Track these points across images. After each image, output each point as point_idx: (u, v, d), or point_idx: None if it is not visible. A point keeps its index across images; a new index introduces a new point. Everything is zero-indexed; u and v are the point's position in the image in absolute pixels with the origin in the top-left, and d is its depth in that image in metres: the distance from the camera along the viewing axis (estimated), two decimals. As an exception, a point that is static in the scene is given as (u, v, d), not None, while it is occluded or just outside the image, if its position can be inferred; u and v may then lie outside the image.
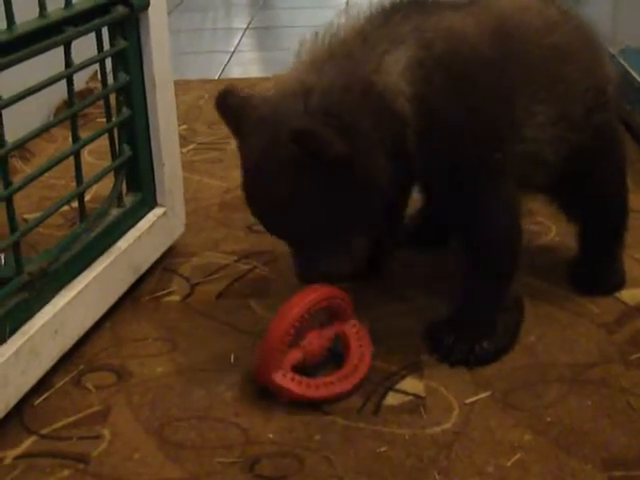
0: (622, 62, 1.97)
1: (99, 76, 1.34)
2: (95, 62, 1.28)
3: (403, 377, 1.17)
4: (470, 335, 1.20)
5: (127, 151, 1.36)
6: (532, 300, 1.31)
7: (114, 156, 1.36)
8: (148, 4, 1.33)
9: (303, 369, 1.14)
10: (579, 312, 1.30)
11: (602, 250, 1.38)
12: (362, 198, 1.11)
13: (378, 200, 1.13)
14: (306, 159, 1.06)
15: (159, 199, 1.46)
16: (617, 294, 1.34)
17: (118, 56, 1.32)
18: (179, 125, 2.06)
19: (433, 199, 1.37)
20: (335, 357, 1.18)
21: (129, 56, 1.33)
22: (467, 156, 1.14)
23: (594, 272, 1.37)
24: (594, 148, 1.26)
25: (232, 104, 1.15)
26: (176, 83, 2.21)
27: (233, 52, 2.92)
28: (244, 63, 2.81)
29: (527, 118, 1.18)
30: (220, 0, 3.88)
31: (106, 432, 1.09)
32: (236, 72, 2.68)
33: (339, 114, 1.07)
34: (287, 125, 1.06)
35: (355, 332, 1.19)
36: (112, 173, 1.35)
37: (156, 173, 1.43)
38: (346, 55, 1.12)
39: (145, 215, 1.43)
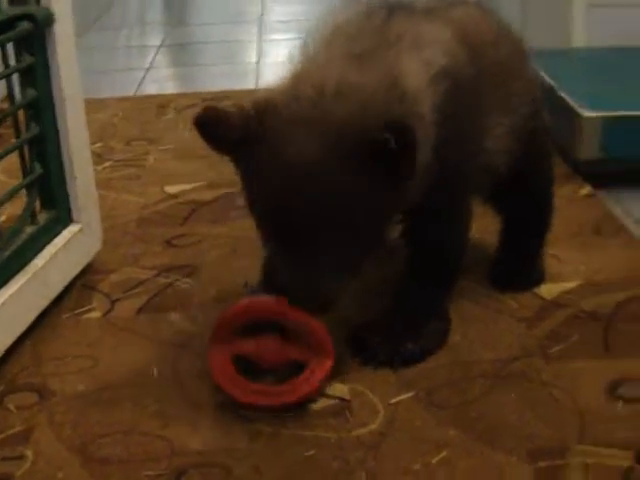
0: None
1: (7, 93, 1.31)
2: (1, 78, 1.25)
3: (327, 382, 1.16)
4: (395, 337, 1.20)
5: (38, 168, 1.33)
6: (454, 298, 1.32)
7: (25, 174, 1.33)
8: (53, 20, 1.31)
9: (252, 366, 1.13)
10: (500, 309, 1.31)
11: (526, 247, 1.40)
12: (394, 207, 1.10)
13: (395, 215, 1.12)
14: (375, 157, 1.01)
15: (74, 216, 1.43)
16: (536, 290, 1.36)
17: (25, 72, 1.30)
18: (94, 143, 2.05)
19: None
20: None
21: (36, 72, 1.30)
22: (453, 166, 1.14)
23: (516, 269, 1.39)
24: (528, 153, 1.29)
25: (219, 119, 1.06)
26: (91, 101, 2.20)
27: (148, 69, 2.90)
28: (159, 80, 2.79)
29: (488, 130, 1.21)
30: (134, 18, 3.86)
31: (29, 452, 1.07)
32: (152, 89, 2.66)
33: (403, 114, 1.05)
34: (347, 121, 1.01)
35: (317, 363, 1.13)
36: (25, 191, 1.33)
37: (69, 190, 1.41)
38: (370, 52, 1.10)
39: (60, 232, 1.40)
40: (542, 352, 1.20)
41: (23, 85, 1.30)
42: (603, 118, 1.70)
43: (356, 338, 1.22)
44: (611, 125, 1.70)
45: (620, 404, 1.09)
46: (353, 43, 1.12)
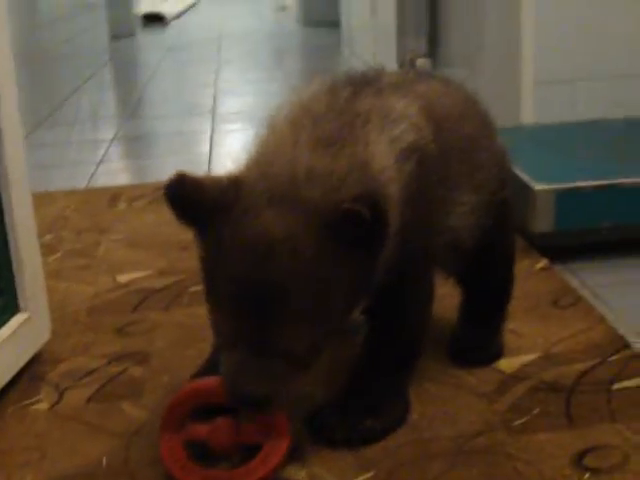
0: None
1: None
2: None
3: (283, 465, 1.12)
4: (353, 415, 1.17)
5: (-17, 255, 1.30)
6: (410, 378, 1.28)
7: (-30, 261, 1.30)
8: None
9: (205, 452, 1.09)
10: (458, 384, 1.28)
11: (487, 321, 1.38)
12: (363, 284, 1.07)
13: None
14: (346, 231, 0.99)
15: (21, 305, 1.40)
16: (494, 364, 1.33)
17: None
18: (45, 235, 2.03)
19: None
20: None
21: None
22: (417, 246, 1.13)
23: (476, 344, 1.36)
24: (494, 226, 1.28)
25: (192, 189, 1.03)
26: (41, 196, 2.18)
27: (100, 162, 2.88)
28: (111, 172, 2.78)
29: (453, 207, 1.19)
30: (87, 113, 3.86)
31: None
32: (103, 182, 2.64)
33: (373, 190, 1.03)
34: (319, 201, 1.00)
35: (272, 446, 1.09)
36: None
37: (16, 277, 1.37)
38: (336, 137, 1.08)
39: (7, 322, 1.36)
40: (504, 426, 1.17)
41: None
42: (555, 190, 1.70)
43: (314, 416, 1.18)
44: (563, 197, 1.70)
45: (587, 475, 1.06)
46: (319, 125, 1.10)
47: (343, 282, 1.02)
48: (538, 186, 1.72)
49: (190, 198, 1.03)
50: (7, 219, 1.34)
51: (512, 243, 1.40)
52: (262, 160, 1.08)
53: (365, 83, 1.18)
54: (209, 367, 1.25)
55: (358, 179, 1.04)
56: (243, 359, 1.02)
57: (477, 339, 1.36)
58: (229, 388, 1.04)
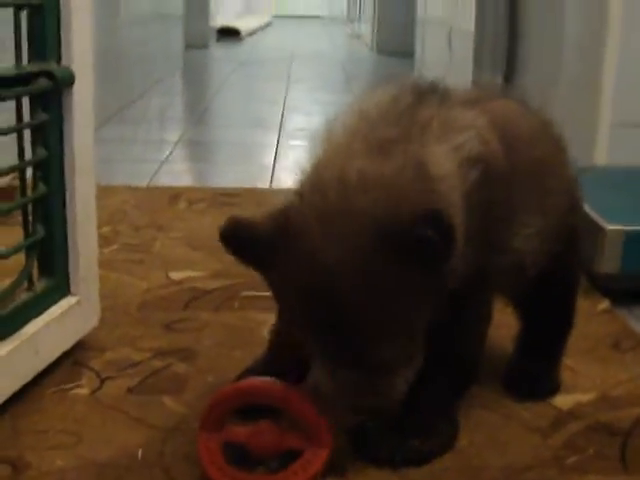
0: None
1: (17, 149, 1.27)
2: (13, 131, 1.21)
3: (323, 474, 1.08)
4: (400, 434, 1.12)
5: (40, 231, 1.28)
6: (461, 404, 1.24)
7: (27, 234, 1.28)
8: (74, 80, 1.28)
9: (244, 456, 1.06)
10: (511, 415, 1.24)
11: (545, 352, 1.34)
12: (438, 293, 1.03)
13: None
14: (410, 249, 0.95)
15: (72, 288, 1.37)
16: (549, 400, 1.28)
17: (37, 130, 1.26)
18: (103, 227, 2.01)
19: None
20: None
21: (49, 130, 1.27)
22: (476, 262, 1.08)
23: (532, 376, 1.31)
24: (559, 253, 1.24)
25: (245, 230, 1.02)
26: (103, 188, 2.18)
27: (163, 162, 2.88)
28: (173, 173, 2.77)
29: (518, 229, 1.15)
30: (154, 114, 3.88)
31: (-7, 527, 0.99)
32: (165, 181, 2.63)
33: (434, 201, 1.00)
34: (376, 215, 0.96)
35: (313, 453, 1.05)
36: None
37: (70, 259, 1.35)
38: (392, 139, 1.04)
39: (56, 302, 1.34)
40: (557, 463, 1.12)
41: (34, 143, 1.26)
42: (625, 232, 1.66)
43: (359, 431, 1.14)
44: (632, 239, 1.65)
45: (639, 522, 1.01)
46: (375, 130, 1.06)
47: (417, 295, 0.99)
48: (608, 226, 1.67)
49: (246, 240, 1.02)
50: (68, 194, 1.32)
51: (577, 274, 1.36)
52: (314, 173, 1.05)
53: (432, 92, 1.14)
54: (255, 368, 1.22)
55: (414, 183, 1.00)
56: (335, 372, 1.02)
57: (534, 371, 1.31)
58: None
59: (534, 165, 1.19)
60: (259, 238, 1.01)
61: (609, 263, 1.67)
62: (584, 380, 1.35)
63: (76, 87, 1.29)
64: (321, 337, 1.01)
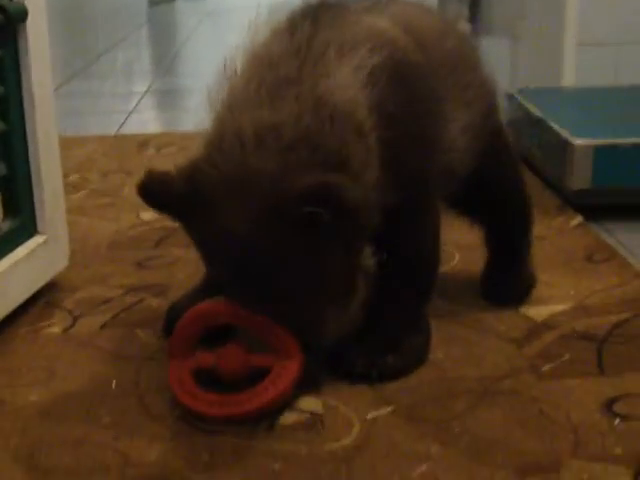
0: (521, 100, 1.96)
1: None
2: (-35, 67, 1.19)
3: (299, 395, 1.07)
4: (374, 350, 1.12)
5: (2, 169, 1.26)
6: (437, 320, 1.23)
7: (-13, 174, 1.26)
8: (26, 15, 1.25)
9: (213, 379, 1.05)
10: (486, 329, 1.23)
11: (511, 252, 1.33)
12: (357, 248, 1.03)
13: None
14: (311, 218, 0.93)
15: (39, 227, 1.35)
16: (524, 311, 1.28)
17: (-7, 66, 1.23)
18: (71, 175, 1.99)
19: None
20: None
21: (5, 66, 1.24)
22: (415, 168, 1.07)
23: (506, 277, 1.32)
24: (491, 152, 1.23)
25: (160, 185, 1.00)
26: (71, 139, 2.15)
27: (131, 112, 2.85)
28: (142, 122, 2.74)
29: (446, 123, 1.13)
30: (121, 67, 3.83)
31: (-31, 462, 0.98)
32: (133, 130, 2.60)
33: (329, 152, 0.96)
34: (276, 183, 0.94)
35: (282, 367, 1.04)
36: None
37: (35, 197, 1.33)
38: (289, 78, 1.00)
39: (23, 242, 1.32)
40: (532, 370, 1.12)
41: (-10, 80, 1.24)
42: (594, 146, 1.65)
43: (333, 351, 1.12)
44: (602, 153, 1.64)
45: (617, 421, 1.00)
46: (271, 71, 1.02)
47: (327, 258, 0.99)
48: (577, 141, 1.66)
49: (159, 195, 1.01)
50: (29, 129, 1.29)
51: (515, 169, 1.33)
52: (216, 128, 1.01)
53: (327, 10, 1.09)
54: (185, 300, 1.22)
55: (312, 133, 0.96)
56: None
57: (505, 272, 1.32)
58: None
59: (448, 58, 1.17)
60: (173, 194, 0.99)
61: (580, 179, 1.66)
62: (558, 291, 1.34)
63: (30, 23, 1.26)
64: (236, 292, 1.02)
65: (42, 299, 1.37)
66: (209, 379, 1.06)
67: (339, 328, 1.05)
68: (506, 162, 1.31)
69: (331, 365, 1.12)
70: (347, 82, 1.01)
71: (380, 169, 1.01)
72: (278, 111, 0.98)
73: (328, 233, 0.95)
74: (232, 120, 1.00)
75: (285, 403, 1.04)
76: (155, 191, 1.00)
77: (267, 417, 1.03)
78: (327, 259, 0.99)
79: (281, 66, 1.02)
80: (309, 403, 1.06)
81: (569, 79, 2.16)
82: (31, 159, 1.31)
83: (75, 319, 1.31)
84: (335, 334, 1.05)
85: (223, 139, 0.99)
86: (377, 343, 1.12)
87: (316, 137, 0.97)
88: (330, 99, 0.99)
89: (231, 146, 0.97)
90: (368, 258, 1.08)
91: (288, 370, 1.03)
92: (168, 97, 3.22)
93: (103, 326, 1.29)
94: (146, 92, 3.19)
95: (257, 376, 1.04)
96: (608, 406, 1.03)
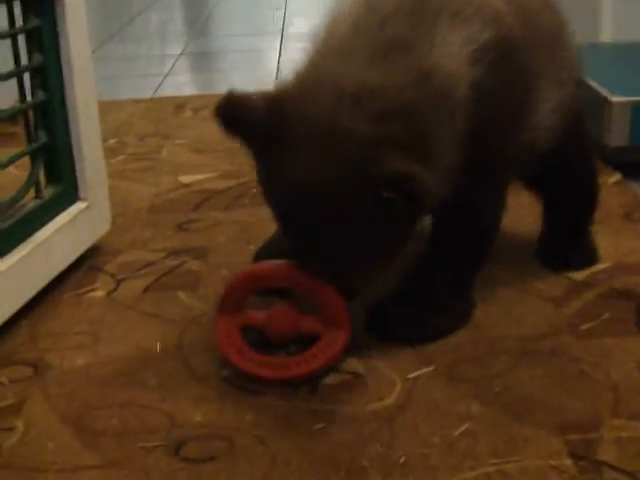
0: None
1: (13, 56, 1.25)
2: (6, 37, 1.20)
3: (342, 357, 1.08)
4: (416, 313, 1.13)
5: (43, 137, 1.28)
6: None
7: (29, 142, 1.28)
8: (63, -18, 1.26)
9: (262, 340, 1.07)
10: (525, 289, 1.24)
11: (575, 226, 1.33)
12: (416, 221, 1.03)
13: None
14: (386, 199, 0.94)
15: (81, 193, 1.37)
16: (563, 271, 1.28)
17: (31, 35, 1.24)
18: (109, 139, 2.01)
19: None
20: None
21: (43, 36, 1.25)
22: (494, 148, 1.07)
23: (567, 247, 1.31)
24: (571, 133, 1.21)
25: (242, 110, 0.98)
26: (107, 103, 2.16)
27: (167, 75, 2.85)
28: (178, 84, 2.75)
29: (537, 104, 1.12)
30: (155, 29, 3.84)
31: (19, 424, 1.00)
32: (169, 92, 2.61)
33: (420, 133, 0.96)
34: (364, 150, 0.93)
35: (332, 337, 1.05)
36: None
37: (77, 164, 1.35)
38: (400, 43, 0.99)
39: (66, 209, 1.34)
40: (571, 329, 1.13)
41: (29, 49, 1.25)
42: (632, 103, 1.63)
43: (375, 312, 1.14)
44: (639, 110, 1.63)
45: (657, 379, 1.01)
46: (384, 27, 1.00)
47: (390, 227, 0.99)
48: (615, 98, 1.64)
49: (239, 119, 0.98)
50: (68, 98, 1.31)
51: (590, 150, 1.34)
52: (312, 73, 1.00)
53: None
54: (271, 246, 1.22)
55: (412, 107, 0.96)
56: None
57: (566, 243, 1.31)
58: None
59: (546, 36, 1.16)
60: (256, 122, 0.98)
61: (617, 136, 1.64)
62: (597, 250, 1.34)
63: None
64: (296, 240, 1.03)
65: (85, 264, 1.39)
66: (257, 338, 1.07)
67: (382, 284, 1.07)
68: (583, 144, 1.30)
69: (372, 326, 1.13)
70: (455, 55, 1.00)
71: (458, 151, 1.00)
72: (384, 76, 0.97)
73: (395, 212, 0.95)
74: (334, 69, 0.98)
75: (330, 371, 1.06)
76: (235, 115, 0.98)
77: (311, 381, 1.05)
78: (386, 227, 0.98)
79: (393, 25, 1.00)
80: (351, 364, 1.08)
81: (607, 34, 2.13)
82: (71, 127, 1.32)
83: (118, 283, 1.33)
84: (377, 288, 1.07)
85: (320, 84, 0.98)
86: (419, 304, 1.13)
87: (414, 114, 0.96)
88: (438, 71, 0.98)
89: (327, 95, 0.96)
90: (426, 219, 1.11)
91: (337, 340, 1.04)
92: (203, 59, 3.22)
93: (146, 289, 1.31)
94: (181, 54, 3.19)
95: (305, 340, 1.05)
96: (647, 364, 1.04)
